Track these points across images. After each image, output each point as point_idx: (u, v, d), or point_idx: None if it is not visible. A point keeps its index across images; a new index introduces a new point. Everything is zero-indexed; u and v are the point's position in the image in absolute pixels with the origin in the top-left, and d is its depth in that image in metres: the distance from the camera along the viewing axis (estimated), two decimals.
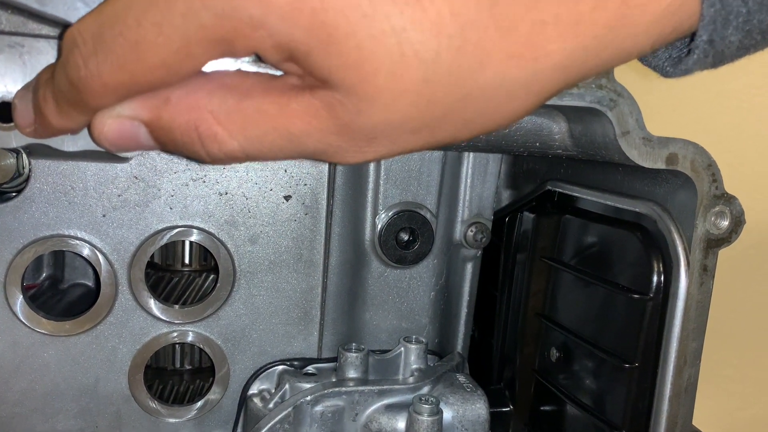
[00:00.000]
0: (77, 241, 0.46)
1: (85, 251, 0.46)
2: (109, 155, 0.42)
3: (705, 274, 0.41)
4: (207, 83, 0.28)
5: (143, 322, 0.48)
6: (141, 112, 0.29)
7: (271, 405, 0.48)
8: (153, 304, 0.48)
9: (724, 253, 0.43)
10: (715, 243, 0.41)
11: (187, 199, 0.47)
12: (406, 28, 0.24)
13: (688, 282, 0.39)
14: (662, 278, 0.40)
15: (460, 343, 0.57)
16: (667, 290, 0.40)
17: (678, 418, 0.43)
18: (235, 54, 0.26)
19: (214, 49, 0.26)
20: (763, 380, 0.99)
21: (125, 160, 0.46)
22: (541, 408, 0.50)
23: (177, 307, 0.48)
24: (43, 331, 0.46)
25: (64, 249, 0.46)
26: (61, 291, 0.58)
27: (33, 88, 0.32)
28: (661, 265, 0.40)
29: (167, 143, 0.29)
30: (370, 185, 0.51)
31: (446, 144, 0.30)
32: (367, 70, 0.25)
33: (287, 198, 0.49)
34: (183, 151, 0.29)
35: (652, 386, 0.41)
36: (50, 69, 0.31)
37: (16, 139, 0.36)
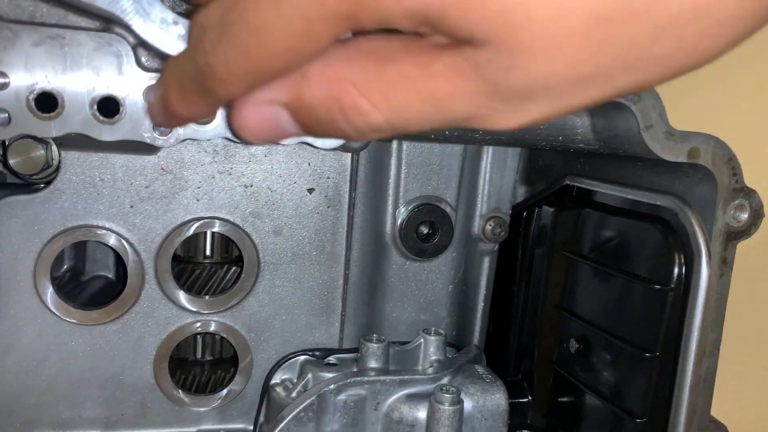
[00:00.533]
0: (105, 232, 0.47)
1: (112, 241, 0.47)
2: (138, 147, 0.43)
3: (724, 266, 0.42)
4: (344, 51, 0.26)
5: (169, 312, 0.49)
6: (279, 94, 0.27)
7: (294, 394, 0.49)
8: (181, 295, 0.48)
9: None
10: (735, 236, 0.42)
11: (213, 191, 0.48)
12: None
13: (709, 273, 0.40)
14: (683, 269, 0.41)
15: (477, 336, 0.58)
16: (688, 281, 0.41)
17: (697, 408, 0.43)
18: (361, 27, 0.24)
19: (338, 26, 0.24)
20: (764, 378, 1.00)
21: (154, 151, 0.47)
22: (560, 399, 0.51)
23: (201, 297, 0.49)
24: (71, 320, 0.47)
25: (93, 239, 0.47)
26: (83, 283, 0.59)
27: (159, 78, 0.32)
28: (682, 256, 0.41)
29: (311, 124, 0.28)
30: (391, 179, 0.52)
31: (628, 93, 0.26)
32: (517, 18, 0.22)
33: (311, 191, 0.50)
34: (328, 130, 0.27)
35: (673, 376, 0.41)
36: (175, 60, 0.31)
37: (56, 128, 0.36)
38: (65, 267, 0.60)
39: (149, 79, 0.37)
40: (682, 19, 0.22)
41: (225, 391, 0.51)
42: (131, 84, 0.37)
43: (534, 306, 0.54)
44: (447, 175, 0.53)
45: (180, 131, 0.39)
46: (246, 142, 0.30)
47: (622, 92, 0.25)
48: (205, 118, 0.31)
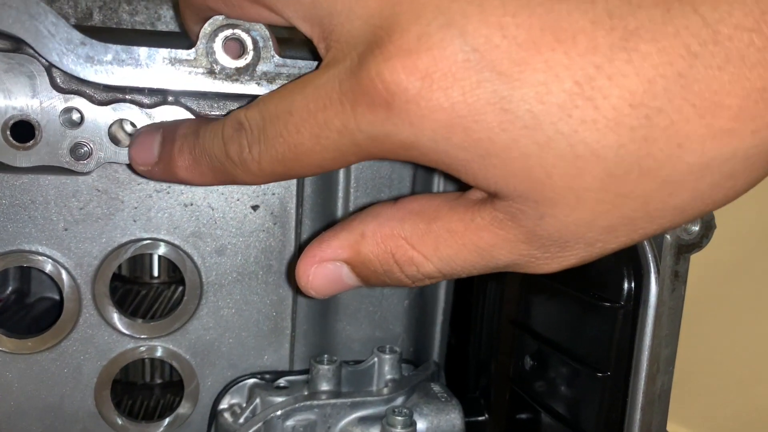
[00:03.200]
0: (39, 257, 0.45)
1: (48, 267, 0.45)
2: (67, 169, 0.41)
3: (677, 280, 0.41)
4: (396, 212, 0.30)
5: (109, 337, 0.47)
6: (341, 252, 0.31)
7: (241, 420, 0.47)
8: (118, 319, 0.47)
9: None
10: (686, 248, 0.40)
11: (151, 211, 0.46)
12: (577, 130, 0.23)
13: (658, 289, 0.39)
14: (632, 285, 0.39)
15: (436, 351, 0.56)
16: (638, 297, 0.39)
17: (652, 427, 0.42)
18: (388, 159, 0.27)
19: (366, 158, 0.27)
20: (744, 377, 0.99)
21: (86, 173, 0.45)
22: (517, 416, 0.49)
23: (141, 321, 0.47)
24: (4, 349, 0.45)
25: (25, 264, 0.45)
26: (28, 305, 0.57)
27: (165, 135, 0.34)
28: (632, 272, 0.39)
29: (369, 276, 0.31)
30: (340, 193, 0.50)
31: (657, 234, 0.28)
32: (537, 175, 0.24)
33: (255, 208, 0.48)
34: (385, 280, 0.31)
35: (625, 395, 0.40)
36: (190, 126, 0.33)
37: (20, 159, 0.35)
38: (10, 289, 0.58)
39: (64, 100, 0.35)
40: (693, 175, 0.24)
41: (171, 418, 0.49)
42: (47, 106, 0.35)
43: (490, 321, 0.52)
44: (398, 188, 0.51)
45: (101, 154, 0.37)
46: (308, 297, 0.34)
47: (650, 235, 0.27)
48: (201, 185, 0.36)
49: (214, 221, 0.47)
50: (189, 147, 0.32)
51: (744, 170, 0.24)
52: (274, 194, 0.48)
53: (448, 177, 0.53)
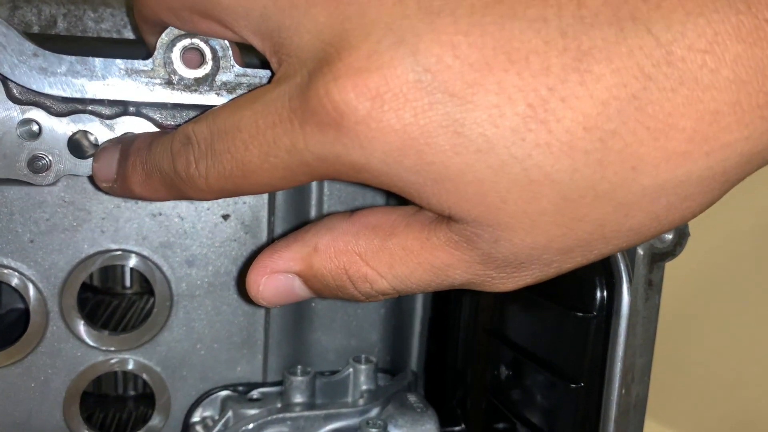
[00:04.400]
0: (4, 270, 0.44)
1: (14, 280, 0.44)
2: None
3: (650, 289, 0.40)
4: (351, 226, 0.29)
5: (77, 350, 0.46)
6: (293, 265, 0.30)
7: None
8: (86, 332, 0.46)
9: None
10: (660, 257, 0.40)
11: (119, 221, 0.45)
12: (531, 154, 0.23)
13: (631, 298, 0.38)
14: (605, 295, 0.39)
15: (414, 360, 0.56)
16: (610, 307, 0.39)
17: None
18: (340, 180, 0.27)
19: (317, 178, 0.27)
20: (732, 379, 0.99)
21: (53, 183, 0.44)
22: (494, 426, 0.49)
23: (109, 333, 0.46)
24: None
25: None
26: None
27: (122, 151, 0.33)
28: (604, 281, 0.39)
29: (321, 289, 0.30)
30: (313, 201, 0.49)
31: (616, 253, 0.28)
32: (491, 200, 0.24)
33: (225, 217, 0.47)
34: (337, 294, 0.30)
35: (598, 406, 0.39)
36: (144, 140, 0.32)
37: None
38: None
39: (22, 112, 0.35)
40: (648, 198, 0.24)
41: (142, 431, 0.48)
42: (3, 118, 0.34)
43: (467, 329, 0.52)
44: (372, 197, 0.50)
45: (60, 166, 0.36)
46: (258, 305, 0.34)
47: (606, 255, 0.27)
48: (157, 201, 0.35)
49: (183, 231, 0.46)
50: (141, 162, 0.31)
51: (699, 192, 0.24)
52: (245, 203, 0.47)
53: None
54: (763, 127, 0.23)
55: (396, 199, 0.52)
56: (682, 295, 0.98)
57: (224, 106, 0.28)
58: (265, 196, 0.47)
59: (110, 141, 0.35)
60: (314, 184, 0.49)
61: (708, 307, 0.98)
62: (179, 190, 0.30)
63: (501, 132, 0.23)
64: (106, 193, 0.35)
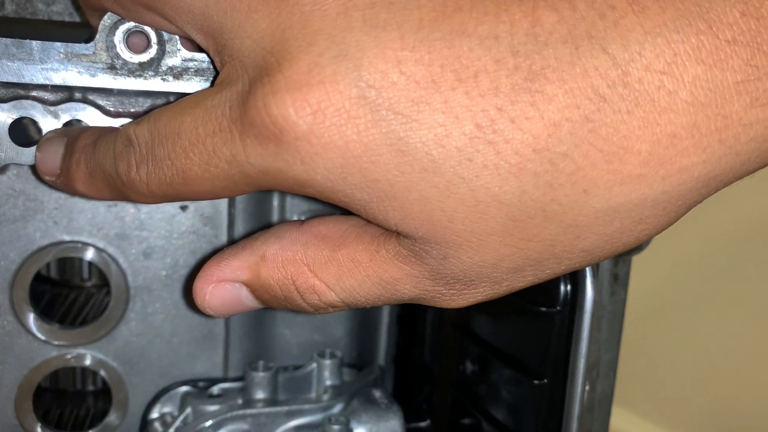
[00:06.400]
0: None
1: None
2: None
3: (616, 283, 0.39)
4: (301, 235, 0.28)
5: (29, 345, 0.45)
6: (240, 274, 0.29)
7: (171, 430, 0.45)
8: (38, 327, 0.44)
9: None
10: (625, 251, 0.39)
11: (73, 212, 0.44)
12: (478, 175, 0.23)
13: (595, 293, 0.37)
14: (568, 289, 0.38)
15: (382, 355, 0.55)
16: (574, 302, 0.38)
17: None
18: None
19: (261, 188, 0.26)
20: (708, 371, 0.99)
21: (2, 171, 0.42)
22: (459, 422, 0.48)
23: (62, 328, 0.45)
24: None
25: None
26: None
27: (67, 145, 0.31)
28: (567, 276, 0.38)
29: (269, 300, 0.30)
30: (275, 192, 0.48)
31: (568, 272, 0.27)
32: (437, 218, 0.24)
33: (184, 208, 0.46)
34: (285, 305, 0.29)
35: (562, 402, 0.39)
36: (90, 136, 0.31)
37: None
38: None
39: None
40: (600, 220, 0.23)
41: (98, 428, 0.47)
42: None
43: (434, 324, 0.51)
44: None
45: (1, 155, 0.34)
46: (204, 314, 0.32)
47: (560, 274, 0.26)
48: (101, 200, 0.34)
49: (140, 222, 0.45)
50: (86, 159, 0.30)
51: (653, 215, 0.24)
52: None
53: None
54: (720, 150, 0.22)
55: None
56: (660, 289, 0.98)
57: (166, 108, 0.27)
58: None
59: (55, 131, 0.34)
60: None
61: (685, 301, 0.98)
62: (121, 191, 0.29)
63: (447, 152, 0.22)
64: (49, 186, 0.34)
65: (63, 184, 0.32)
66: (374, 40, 0.22)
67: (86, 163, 0.30)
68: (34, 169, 0.42)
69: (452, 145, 0.22)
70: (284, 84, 0.22)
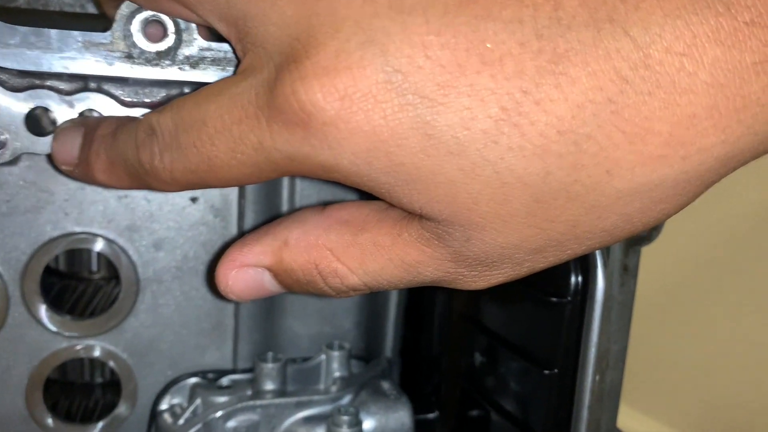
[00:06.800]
0: None
1: None
2: None
3: (626, 274, 0.40)
4: (323, 220, 0.29)
5: (40, 337, 0.45)
6: (263, 258, 0.29)
7: (181, 421, 0.45)
8: (49, 318, 0.44)
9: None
10: (636, 241, 0.39)
11: (84, 203, 0.44)
12: (504, 156, 0.23)
13: (605, 283, 0.38)
14: (579, 280, 0.38)
15: (389, 347, 0.55)
16: (585, 292, 0.38)
17: (601, 423, 0.41)
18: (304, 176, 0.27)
19: (287, 175, 0.26)
20: (708, 368, 1.00)
21: (14, 162, 0.42)
22: (468, 414, 0.48)
23: (73, 319, 0.45)
24: None
25: None
26: None
27: (85, 135, 0.32)
28: (578, 267, 0.38)
29: (291, 284, 0.30)
30: (285, 183, 0.48)
31: (590, 252, 0.28)
32: (462, 201, 0.24)
33: (194, 200, 0.46)
34: (308, 289, 0.30)
35: (572, 392, 0.39)
36: (110, 125, 0.31)
37: None
38: None
39: None
40: (622, 200, 0.24)
41: (108, 419, 0.47)
42: None
43: (442, 315, 0.51)
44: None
45: (17, 144, 0.35)
46: (227, 299, 0.33)
47: (580, 255, 0.27)
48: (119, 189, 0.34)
49: (150, 214, 0.45)
50: (106, 149, 0.30)
51: (673, 195, 0.24)
52: None
53: None
54: (739, 131, 0.23)
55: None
56: (664, 282, 0.98)
57: (187, 97, 0.27)
58: None
59: (71, 121, 0.34)
60: None
61: (688, 295, 0.98)
62: (143, 180, 0.29)
63: (473, 134, 0.23)
64: (66, 175, 0.34)
65: (82, 173, 0.32)
66: (400, 26, 0.22)
67: (106, 153, 0.30)
68: (48, 159, 0.43)
69: (478, 128, 0.22)
70: (312, 70, 0.23)
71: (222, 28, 0.27)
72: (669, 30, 0.21)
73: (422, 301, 0.54)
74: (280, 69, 0.24)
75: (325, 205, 0.30)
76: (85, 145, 0.32)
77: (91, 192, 0.44)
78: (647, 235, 0.40)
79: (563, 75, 0.22)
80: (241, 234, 0.47)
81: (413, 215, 0.27)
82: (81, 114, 0.34)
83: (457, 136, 0.23)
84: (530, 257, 0.26)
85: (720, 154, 0.23)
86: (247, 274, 0.30)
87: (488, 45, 0.22)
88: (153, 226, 0.45)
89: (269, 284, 0.30)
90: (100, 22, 0.36)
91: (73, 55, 0.31)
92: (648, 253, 0.41)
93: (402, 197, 0.25)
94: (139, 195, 0.45)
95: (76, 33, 0.30)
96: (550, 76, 0.22)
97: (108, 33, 0.31)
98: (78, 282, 0.51)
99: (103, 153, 0.30)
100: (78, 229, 0.44)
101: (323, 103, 0.23)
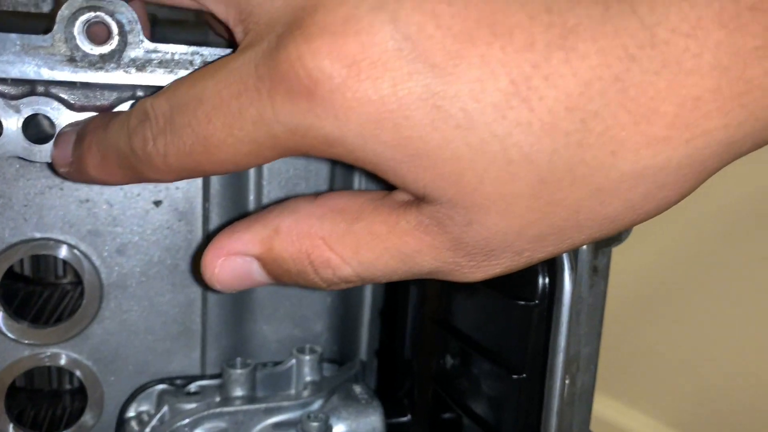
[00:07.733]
0: None
1: None
2: None
3: (596, 275, 0.39)
4: (316, 209, 0.28)
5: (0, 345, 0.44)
6: (252, 247, 0.28)
7: (147, 429, 0.45)
8: (6, 325, 0.43)
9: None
10: (605, 242, 0.38)
11: (44, 209, 0.43)
12: (511, 132, 0.22)
13: (573, 286, 0.37)
14: (547, 282, 0.37)
15: (363, 350, 0.54)
16: (552, 295, 0.37)
17: (573, 427, 0.40)
18: (307, 155, 0.25)
19: (285, 154, 0.25)
20: (694, 360, 1.00)
21: None
22: (440, 417, 0.47)
23: (34, 327, 0.44)
24: None
25: None
26: None
27: (78, 132, 0.30)
28: (546, 269, 0.37)
29: (281, 275, 0.29)
30: (251, 186, 0.47)
31: (589, 243, 0.27)
32: (468, 179, 0.23)
33: (157, 203, 0.45)
34: (298, 281, 0.28)
35: (541, 397, 0.38)
36: (102, 118, 0.30)
37: None
38: None
39: None
40: (626, 184, 0.23)
41: (73, 428, 0.46)
42: None
43: (414, 318, 0.50)
44: (315, 182, 0.48)
45: None
46: (213, 290, 0.31)
47: (579, 245, 0.26)
48: (115, 185, 0.33)
49: (113, 218, 0.44)
50: (97, 142, 0.29)
51: (676, 181, 0.24)
52: (178, 188, 0.45)
53: (370, 174, 0.51)
54: (742, 115, 0.22)
55: (342, 183, 0.50)
56: (646, 279, 0.98)
57: (185, 78, 0.26)
58: (199, 181, 0.45)
59: (72, 124, 0.33)
60: (252, 169, 0.47)
61: (671, 291, 0.98)
62: (137, 170, 0.28)
63: (482, 107, 0.22)
64: (65, 179, 0.33)
65: (75, 171, 0.31)
66: None
67: (98, 145, 0.29)
68: (3, 165, 0.42)
69: (487, 101, 0.22)
70: (319, 34, 0.22)
71: (220, 10, 0.26)
72: (674, 11, 0.21)
73: (396, 303, 0.53)
74: (283, 37, 0.23)
75: (317, 195, 0.29)
76: (78, 141, 0.31)
77: (51, 197, 0.43)
78: (617, 235, 0.39)
79: (573, 50, 0.21)
80: (207, 237, 0.46)
81: (411, 203, 0.26)
82: (28, 118, 0.33)
83: (466, 107, 0.22)
84: (530, 246, 0.25)
85: (722, 139, 0.22)
86: (234, 262, 0.29)
87: (499, 16, 0.21)
88: (116, 231, 0.44)
89: (257, 274, 0.29)
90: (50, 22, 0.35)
91: (11, 59, 0.30)
92: (639, 250, 0.40)
93: (407, 174, 0.24)
94: (100, 199, 0.44)
95: (13, 36, 0.29)
96: (560, 50, 0.21)
97: (48, 36, 0.30)
98: (44, 287, 0.50)
99: (94, 146, 0.29)
100: (38, 235, 0.43)
101: (330, 69, 0.22)
